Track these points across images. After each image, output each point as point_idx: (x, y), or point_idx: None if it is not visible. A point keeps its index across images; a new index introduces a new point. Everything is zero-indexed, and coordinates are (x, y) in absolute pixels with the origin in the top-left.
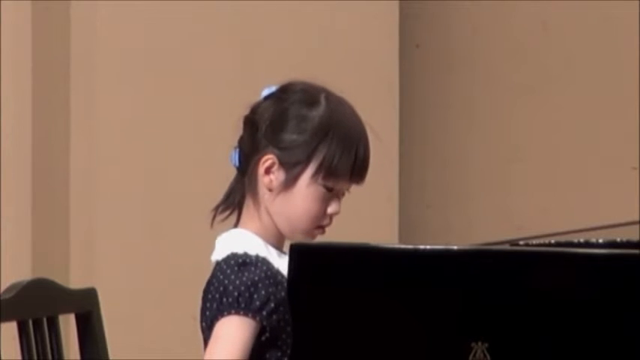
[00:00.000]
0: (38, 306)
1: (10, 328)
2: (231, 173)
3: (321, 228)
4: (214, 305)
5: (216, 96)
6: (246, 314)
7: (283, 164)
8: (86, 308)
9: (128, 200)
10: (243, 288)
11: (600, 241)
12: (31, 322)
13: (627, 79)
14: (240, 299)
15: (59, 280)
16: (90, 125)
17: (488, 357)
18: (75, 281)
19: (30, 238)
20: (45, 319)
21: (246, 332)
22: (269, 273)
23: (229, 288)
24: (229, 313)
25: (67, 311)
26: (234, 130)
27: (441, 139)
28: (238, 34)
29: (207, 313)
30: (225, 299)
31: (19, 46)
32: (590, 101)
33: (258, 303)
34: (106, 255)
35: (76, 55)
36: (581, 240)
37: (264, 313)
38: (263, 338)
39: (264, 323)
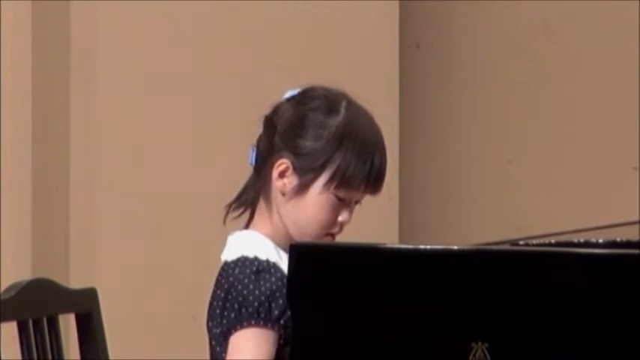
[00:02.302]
0: (38, 306)
1: (10, 328)
2: (233, 173)
3: (330, 235)
4: (232, 315)
5: (216, 95)
6: (265, 325)
7: (297, 170)
8: (86, 308)
9: (128, 200)
10: (263, 298)
11: (600, 241)
12: (31, 322)
13: (627, 79)
14: (261, 309)
15: (59, 280)
16: (90, 125)
17: (488, 357)
18: (75, 281)
19: (30, 238)
20: (45, 319)
21: (267, 344)
22: (284, 280)
23: (249, 298)
24: (249, 325)
25: (67, 311)
26: (233, 130)
27: (441, 139)
28: (238, 34)
29: (224, 321)
30: (244, 310)
31: (19, 46)
32: (590, 101)
33: (276, 312)
34: (106, 255)
35: (76, 55)
36: (581, 240)
37: (282, 322)
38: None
39: (281, 332)
